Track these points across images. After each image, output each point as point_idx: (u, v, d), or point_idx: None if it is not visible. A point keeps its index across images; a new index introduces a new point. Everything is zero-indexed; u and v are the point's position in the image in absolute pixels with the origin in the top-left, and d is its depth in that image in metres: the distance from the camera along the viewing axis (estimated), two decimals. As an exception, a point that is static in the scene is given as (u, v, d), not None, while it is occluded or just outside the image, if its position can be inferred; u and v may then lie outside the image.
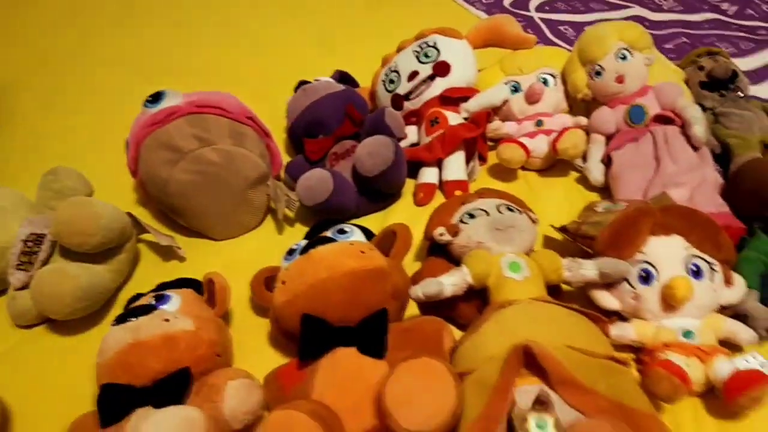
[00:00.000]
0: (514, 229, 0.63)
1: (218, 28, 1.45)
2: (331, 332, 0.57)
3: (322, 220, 0.74)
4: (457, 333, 0.63)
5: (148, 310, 0.59)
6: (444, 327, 0.59)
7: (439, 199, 0.84)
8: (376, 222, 0.82)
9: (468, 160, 0.86)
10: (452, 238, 0.65)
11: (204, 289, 0.67)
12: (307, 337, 0.57)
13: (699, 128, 0.74)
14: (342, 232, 0.64)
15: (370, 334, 0.56)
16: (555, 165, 0.86)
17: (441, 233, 0.66)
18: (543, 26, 1.24)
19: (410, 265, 0.72)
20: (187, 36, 1.44)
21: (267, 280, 0.66)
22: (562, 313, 0.54)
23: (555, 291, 0.63)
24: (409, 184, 0.86)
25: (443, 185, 0.84)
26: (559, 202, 0.80)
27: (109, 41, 1.44)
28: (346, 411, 0.51)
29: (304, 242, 0.63)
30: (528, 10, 1.31)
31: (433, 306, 0.63)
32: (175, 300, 0.61)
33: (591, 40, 0.83)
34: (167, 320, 0.57)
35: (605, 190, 0.79)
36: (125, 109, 0.86)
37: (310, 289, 0.57)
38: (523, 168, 0.86)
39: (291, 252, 0.63)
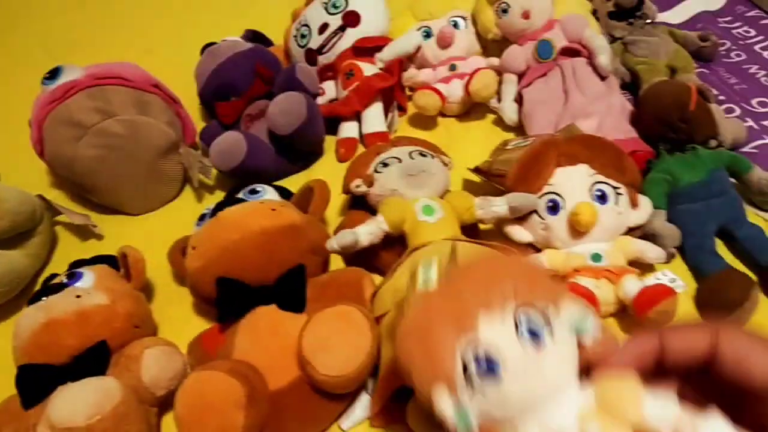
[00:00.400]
0: (425, 173, 0.63)
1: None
2: (248, 292, 0.56)
3: (239, 184, 0.73)
4: (379, 281, 0.63)
5: (59, 288, 0.58)
6: (363, 275, 0.59)
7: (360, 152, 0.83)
8: (299, 182, 0.80)
9: (386, 111, 0.85)
10: (368, 189, 0.65)
11: (120, 263, 0.66)
12: (224, 300, 0.57)
13: (604, 57, 0.75)
14: (254, 192, 0.63)
15: (288, 290, 0.56)
16: (473, 108, 0.86)
17: (357, 185, 0.65)
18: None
19: (336, 221, 0.72)
20: (92, 6, 1.37)
21: (184, 249, 0.65)
22: (474, 249, 0.55)
23: (472, 230, 0.64)
24: (331, 141, 0.86)
25: (364, 138, 0.83)
26: (479, 145, 0.80)
27: (5, 13, 1.37)
28: (268, 367, 0.51)
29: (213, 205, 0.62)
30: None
31: (356, 257, 0.63)
32: (88, 276, 0.60)
33: (495, -24, 0.82)
34: (79, 296, 0.56)
35: (521, 129, 0.79)
36: (30, 87, 0.82)
37: (222, 252, 0.56)
38: (442, 114, 0.86)
39: (202, 217, 0.62)
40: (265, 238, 0.56)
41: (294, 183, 0.80)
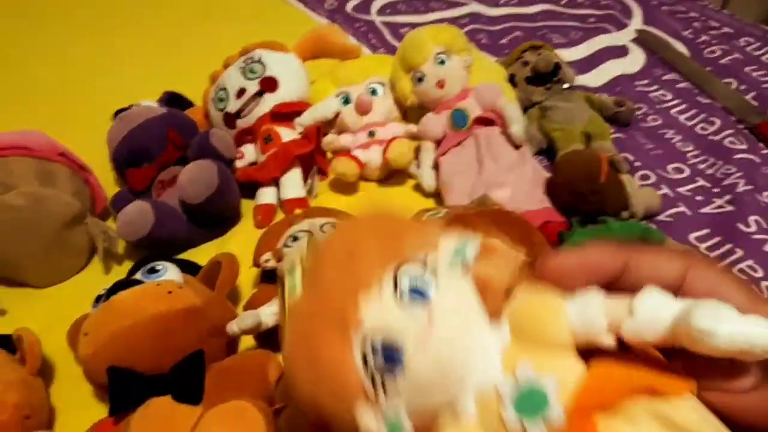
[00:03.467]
0: None
1: (36, 57, 1.35)
2: (141, 382, 0.53)
3: (149, 255, 0.70)
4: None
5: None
6: (269, 359, 0.57)
7: (279, 218, 0.82)
8: (213, 250, 0.79)
9: (306, 176, 0.84)
10: (276, 264, 0.63)
11: (16, 345, 0.62)
12: (116, 391, 0.53)
13: (517, 127, 0.76)
14: (153, 271, 0.60)
15: (183, 381, 0.54)
16: (393, 173, 0.86)
17: (266, 260, 0.64)
18: (384, 30, 1.24)
19: (249, 292, 0.70)
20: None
21: (84, 330, 0.62)
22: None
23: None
24: (249, 205, 0.84)
25: (282, 204, 0.82)
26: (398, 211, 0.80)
27: None
28: (159, 466, 0.48)
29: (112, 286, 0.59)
30: (369, 14, 1.31)
31: (269, 333, 0.61)
32: (-26, 367, 0.56)
33: (409, 46, 0.83)
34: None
35: (439, 195, 0.80)
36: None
37: (113, 339, 0.53)
38: (363, 178, 0.86)
39: (98, 299, 0.59)
40: (159, 323, 0.54)
41: (208, 252, 0.78)
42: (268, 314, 0.57)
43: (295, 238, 0.64)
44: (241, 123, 0.87)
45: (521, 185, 0.73)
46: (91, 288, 0.76)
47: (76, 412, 0.61)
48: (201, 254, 0.78)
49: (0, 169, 0.70)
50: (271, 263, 0.63)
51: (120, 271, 0.77)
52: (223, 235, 0.81)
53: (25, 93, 1.21)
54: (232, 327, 0.56)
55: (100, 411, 0.61)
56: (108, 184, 0.88)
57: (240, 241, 0.79)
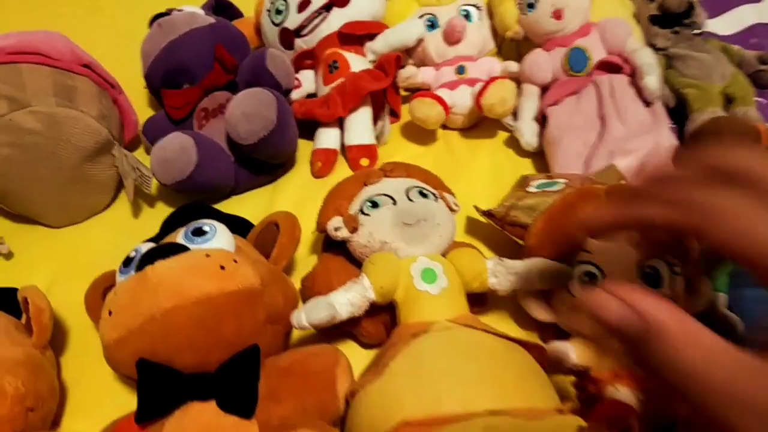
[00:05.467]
0: (427, 223, 0.48)
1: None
2: (180, 382, 0.42)
3: (188, 204, 0.57)
4: (360, 354, 0.50)
5: None
6: (338, 362, 0.44)
7: (341, 167, 0.68)
8: (262, 199, 0.66)
9: (376, 118, 0.69)
10: (350, 235, 0.50)
11: (22, 307, 0.50)
12: (146, 391, 0.42)
13: (652, 79, 0.60)
14: (199, 233, 0.47)
15: (233, 385, 0.42)
16: (481, 122, 0.70)
17: (336, 227, 0.50)
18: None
19: (305, 260, 0.58)
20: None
21: (106, 292, 0.49)
22: (491, 346, 0.41)
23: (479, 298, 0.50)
24: (306, 147, 0.70)
25: (346, 151, 0.68)
26: (487, 170, 0.66)
27: None
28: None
29: (146, 246, 0.46)
30: None
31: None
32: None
33: (523, -37, 0.66)
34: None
35: (540, 155, 0.65)
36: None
37: (146, 324, 0.41)
38: (443, 126, 0.71)
39: (127, 262, 0.46)
40: (207, 308, 0.41)
41: (255, 201, 0.65)
42: (343, 303, 0.45)
43: (374, 204, 0.50)
44: (301, 43, 0.72)
45: (654, 156, 0.58)
46: (116, 231, 0.64)
47: (93, 397, 0.51)
48: (247, 203, 0.65)
49: (8, 77, 0.56)
50: (343, 233, 0.50)
51: (152, 215, 0.65)
52: (274, 181, 0.68)
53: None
54: (300, 319, 0.44)
55: (120, 398, 0.49)
56: (140, 106, 0.74)
57: (294, 192, 0.66)
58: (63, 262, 0.61)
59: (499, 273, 0.47)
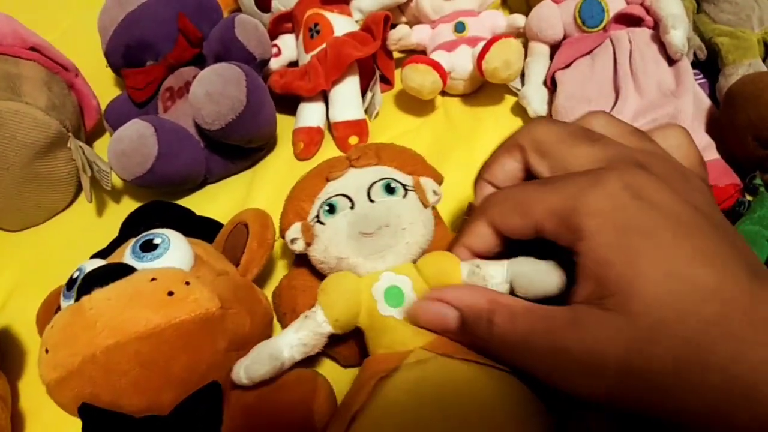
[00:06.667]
0: (389, 229, 0.39)
1: None
2: (129, 428, 0.36)
3: (148, 204, 0.51)
4: (341, 374, 0.43)
5: None
6: (315, 393, 0.38)
7: (329, 146, 0.61)
8: (240, 188, 0.59)
9: (365, 88, 0.62)
10: (306, 249, 0.42)
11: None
12: (92, 438, 0.36)
13: (678, 33, 0.51)
14: (149, 247, 0.40)
15: (190, 429, 0.36)
16: (485, 86, 0.62)
17: (293, 239, 0.42)
18: None
19: (289, 262, 0.51)
20: None
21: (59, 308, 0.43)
22: (472, 385, 0.34)
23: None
24: (289, 125, 0.62)
25: (332, 128, 0.60)
26: (490, 142, 0.57)
27: None
28: None
29: (91, 264, 0.40)
30: None
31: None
32: None
33: None
34: None
35: (550, 124, 0.56)
36: None
37: (86, 365, 0.35)
38: (443, 92, 0.62)
39: (70, 284, 0.40)
40: (153, 343, 0.35)
41: (232, 189, 0.59)
42: (294, 345, 0.37)
43: (331, 209, 0.41)
44: (278, 4, 0.64)
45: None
46: (81, 230, 0.58)
47: (57, 420, 0.45)
48: (224, 193, 0.59)
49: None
50: (299, 246, 0.42)
51: (118, 211, 0.58)
52: (252, 166, 0.61)
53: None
54: (239, 377, 0.37)
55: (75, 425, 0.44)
56: (103, 87, 0.67)
57: (274, 178, 0.59)
58: (22, 268, 0.56)
59: (475, 282, 0.37)
